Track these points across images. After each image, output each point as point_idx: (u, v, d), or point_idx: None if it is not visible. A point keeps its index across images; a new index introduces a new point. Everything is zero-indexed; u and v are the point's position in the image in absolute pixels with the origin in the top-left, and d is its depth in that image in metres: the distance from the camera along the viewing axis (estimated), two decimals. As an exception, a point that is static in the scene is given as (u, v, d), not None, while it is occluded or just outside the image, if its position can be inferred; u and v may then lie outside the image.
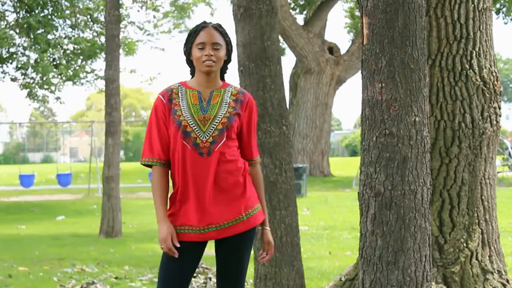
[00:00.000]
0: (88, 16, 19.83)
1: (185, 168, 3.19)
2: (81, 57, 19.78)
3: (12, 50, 19.13)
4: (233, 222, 3.22)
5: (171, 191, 3.29)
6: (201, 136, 3.18)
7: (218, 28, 3.26)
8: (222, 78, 3.35)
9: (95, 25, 19.85)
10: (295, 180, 12.63)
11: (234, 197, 3.22)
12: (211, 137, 3.18)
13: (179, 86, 3.29)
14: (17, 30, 18.75)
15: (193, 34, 3.25)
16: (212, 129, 3.18)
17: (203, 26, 3.25)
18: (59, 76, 20.06)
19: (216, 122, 3.19)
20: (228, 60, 3.34)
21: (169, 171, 3.26)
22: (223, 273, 3.30)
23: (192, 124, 3.18)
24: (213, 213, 3.19)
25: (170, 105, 3.23)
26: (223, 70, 3.35)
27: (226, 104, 3.24)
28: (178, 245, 3.16)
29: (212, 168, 3.17)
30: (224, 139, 3.19)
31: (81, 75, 20.40)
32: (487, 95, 4.81)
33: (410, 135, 3.50)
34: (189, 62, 3.32)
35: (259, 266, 5.01)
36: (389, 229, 3.50)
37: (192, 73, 3.33)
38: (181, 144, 3.19)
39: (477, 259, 4.74)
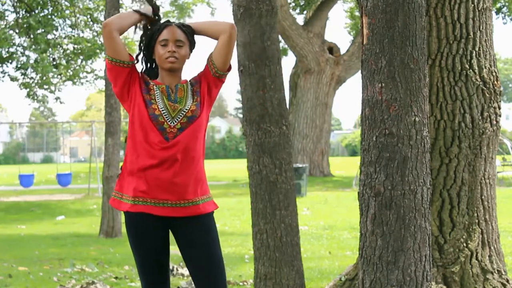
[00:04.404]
0: (88, 16, 19.83)
1: (143, 146, 3.24)
2: (81, 57, 19.79)
3: (12, 50, 19.13)
4: (181, 204, 3.26)
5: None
6: (169, 121, 3.26)
7: (182, 27, 3.36)
8: None
9: (95, 25, 19.84)
10: (295, 180, 12.63)
11: (184, 183, 3.25)
12: (179, 123, 3.27)
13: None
14: (17, 30, 18.75)
15: (156, 32, 3.34)
16: (181, 116, 3.27)
17: (166, 24, 3.36)
18: (59, 76, 20.07)
19: (185, 110, 3.29)
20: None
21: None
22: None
23: (162, 108, 3.27)
24: (167, 188, 3.24)
25: (146, 84, 3.32)
26: None
27: (191, 94, 3.34)
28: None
29: (173, 153, 3.22)
30: (191, 126, 3.27)
31: (81, 75, 20.41)
32: (487, 95, 4.81)
33: (410, 135, 3.50)
34: (148, 60, 3.41)
35: (259, 266, 5.01)
36: (389, 229, 3.50)
37: (150, 73, 3.40)
38: (145, 124, 3.24)
39: (477, 259, 4.74)
